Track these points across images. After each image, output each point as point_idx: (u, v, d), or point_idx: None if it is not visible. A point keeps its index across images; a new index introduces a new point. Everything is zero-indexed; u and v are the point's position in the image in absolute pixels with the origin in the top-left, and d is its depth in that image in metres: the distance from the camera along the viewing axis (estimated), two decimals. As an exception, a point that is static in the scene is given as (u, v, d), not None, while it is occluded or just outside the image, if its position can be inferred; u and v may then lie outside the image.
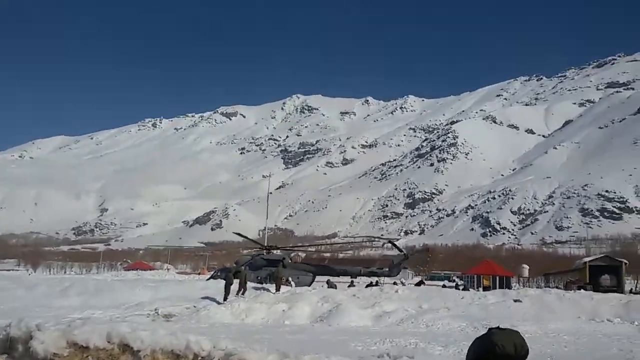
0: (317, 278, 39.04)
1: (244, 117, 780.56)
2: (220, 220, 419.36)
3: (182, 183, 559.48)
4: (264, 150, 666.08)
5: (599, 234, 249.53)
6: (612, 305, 23.32)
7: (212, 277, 40.23)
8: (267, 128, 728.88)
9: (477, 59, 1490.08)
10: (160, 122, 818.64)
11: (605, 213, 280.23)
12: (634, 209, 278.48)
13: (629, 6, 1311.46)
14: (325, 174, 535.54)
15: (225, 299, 23.83)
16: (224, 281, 25.76)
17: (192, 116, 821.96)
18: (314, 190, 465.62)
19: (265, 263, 36.59)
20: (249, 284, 30.62)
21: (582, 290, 33.76)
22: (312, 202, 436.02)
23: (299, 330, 15.42)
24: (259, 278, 33.74)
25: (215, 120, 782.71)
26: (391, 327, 18.30)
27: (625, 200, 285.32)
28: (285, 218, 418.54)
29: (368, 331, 16.08)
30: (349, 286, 39.40)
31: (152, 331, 9.33)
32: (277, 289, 27.53)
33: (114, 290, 26.50)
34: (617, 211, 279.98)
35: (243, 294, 24.61)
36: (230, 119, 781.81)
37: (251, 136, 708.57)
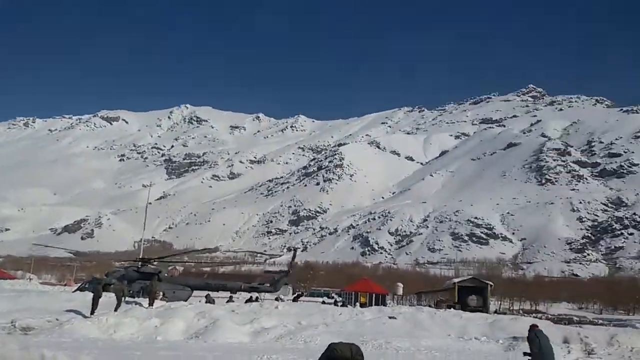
0: (196, 293, 37.69)
1: (127, 122, 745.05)
2: (92, 230, 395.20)
3: (52, 187, 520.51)
4: (146, 158, 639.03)
5: (467, 257, 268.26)
6: (478, 324, 24.77)
7: (80, 289, 37.30)
8: (151, 136, 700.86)
9: (364, 87, 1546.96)
10: (34, 122, 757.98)
11: (474, 238, 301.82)
12: (499, 235, 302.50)
13: (505, 50, 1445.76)
14: (211, 186, 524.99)
15: (92, 312, 22.08)
16: (92, 293, 23.92)
17: (70, 118, 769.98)
18: (197, 203, 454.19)
19: (139, 276, 34.63)
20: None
21: (451, 309, 35.67)
22: (195, 215, 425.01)
23: (172, 347, 14.49)
24: (132, 292, 31.81)
25: (95, 124, 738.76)
26: (269, 343, 17.88)
27: (492, 227, 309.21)
28: (165, 230, 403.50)
29: (245, 347, 15.53)
30: (227, 301, 38.41)
31: (1, 344, 8.18)
32: (151, 304, 26.14)
33: (-39, 300, 23.54)
34: (484, 237, 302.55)
35: (117, 309, 22.87)
36: (112, 124, 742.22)
37: (133, 143, 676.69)
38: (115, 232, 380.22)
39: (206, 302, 34.39)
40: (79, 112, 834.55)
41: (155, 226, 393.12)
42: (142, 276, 33.96)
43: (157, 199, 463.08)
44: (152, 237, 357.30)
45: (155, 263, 41.12)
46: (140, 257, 40.74)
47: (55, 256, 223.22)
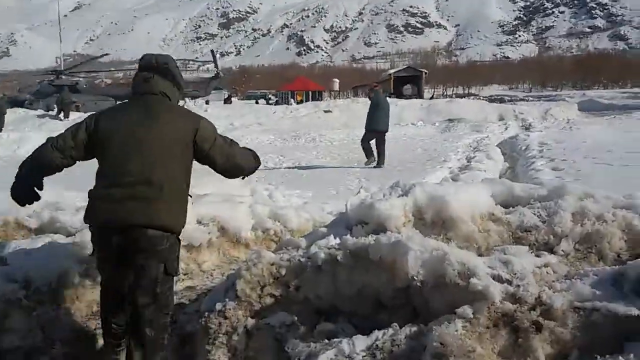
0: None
1: None
2: (7, 48, 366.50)
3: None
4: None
5: (403, 49, 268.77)
6: (414, 110, 24.52)
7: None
8: None
9: None
10: None
11: (409, 28, 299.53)
12: (434, 24, 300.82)
13: None
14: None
15: (-1, 129, 20.14)
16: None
17: None
18: (115, 12, 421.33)
19: (54, 90, 31.91)
20: (32, 112, 26.71)
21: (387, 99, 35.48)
22: (116, 24, 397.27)
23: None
24: (48, 106, 29.51)
25: None
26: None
27: (427, 14, 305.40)
28: (86, 43, 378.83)
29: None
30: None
31: None
32: (66, 116, 24.38)
33: None
34: (419, 26, 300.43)
35: (1, 128, 20.52)
36: None
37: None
38: (32, 48, 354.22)
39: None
40: None
41: (75, 40, 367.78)
42: (58, 89, 31.29)
43: (72, 10, 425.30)
44: (74, 52, 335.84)
45: (81, 76, 37.94)
46: (55, 69, 37.30)
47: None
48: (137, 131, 2.52)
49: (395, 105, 21.83)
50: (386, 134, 11.29)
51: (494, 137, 16.35)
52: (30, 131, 18.77)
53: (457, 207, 3.04)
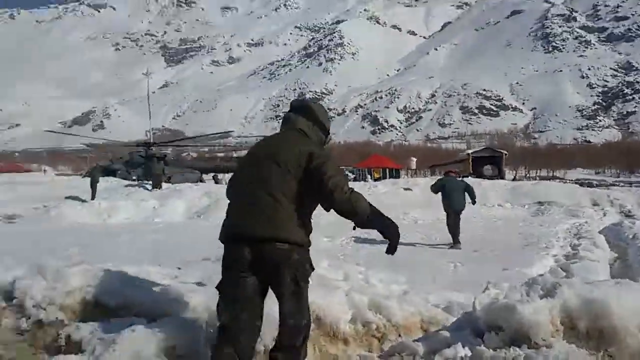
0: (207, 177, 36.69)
1: (114, 9, 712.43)
2: (102, 121, 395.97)
3: (52, 81, 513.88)
4: (142, 46, 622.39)
5: (478, 130, 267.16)
6: (499, 191, 23.41)
7: (85, 175, 36.14)
8: (142, 22, 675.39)
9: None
10: (18, 14, 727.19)
11: (484, 110, 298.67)
12: (510, 106, 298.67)
13: None
14: (212, 72, 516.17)
15: (92, 198, 20.89)
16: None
17: (55, 7, 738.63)
18: (201, 90, 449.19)
19: (144, 161, 33.27)
20: (123, 182, 27.64)
21: (468, 178, 34.35)
22: (201, 102, 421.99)
23: (168, 228, 13.12)
24: (138, 176, 30.66)
25: (82, 12, 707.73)
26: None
27: (501, 98, 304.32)
28: (173, 118, 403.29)
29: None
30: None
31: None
32: (154, 186, 24.94)
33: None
34: (494, 108, 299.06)
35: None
36: (99, 11, 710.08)
37: (125, 31, 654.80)
38: (124, 122, 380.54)
39: (215, 183, 33.36)
40: (62, 0, 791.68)
41: (163, 115, 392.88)
42: (149, 161, 32.65)
43: (160, 88, 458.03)
44: (162, 126, 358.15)
45: (169, 149, 39.66)
46: (146, 142, 39.19)
47: (70, 148, 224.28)
48: (262, 153, 2.74)
49: (479, 185, 20.93)
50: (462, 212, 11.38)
51: (593, 223, 15.07)
52: (121, 200, 19.16)
53: (621, 314, 2.45)
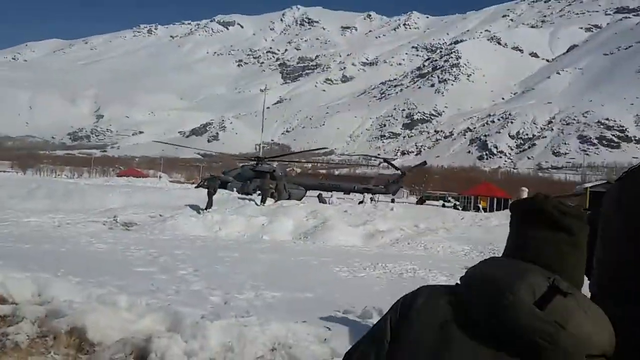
0: (309, 193, 37.15)
1: (242, 27, 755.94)
2: (217, 133, 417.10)
3: (177, 93, 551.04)
4: (262, 63, 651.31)
5: (596, 162, 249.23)
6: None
7: (199, 185, 37.94)
8: (266, 40, 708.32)
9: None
10: (156, 29, 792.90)
11: (604, 141, 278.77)
12: (633, 138, 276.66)
13: None
14: (324, 90, 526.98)
15: (207, 208, 21.73)
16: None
17: (189, 24, 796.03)
18: (312, 107, 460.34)
19: (254, 174, 34.35)
20: (234, 195, 28.49)
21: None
22: (310, 119, 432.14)
23: (276, 248, 13.17)
24: (246, 190, 31.64)
25: (212, 29, 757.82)
26: (384, 248, 16.15)
27: (624, 129, 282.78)
28: (283, 133, 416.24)
29: (358, 252, 13.87)
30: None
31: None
32: (263, 201, 25.38)
33: (84, 194, 24.19)
34: (615, 140, 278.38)
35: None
36: (228, 29, 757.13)
37: (249, 48, 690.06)
38: (237, 135, 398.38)
39: (319, 202, 33.56)
40: (197, 17, 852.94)
41: (273, 129, 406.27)
42: (257, 174, 33.80)
43: (275, 104, 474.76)
44: (272, 140, 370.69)
45: (275, 164, 40.77)
46: (257, 156, 40.63)
47: (184, 157, 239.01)
48: None
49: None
50: None
51: None
52: (232, 214, 19.66)
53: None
